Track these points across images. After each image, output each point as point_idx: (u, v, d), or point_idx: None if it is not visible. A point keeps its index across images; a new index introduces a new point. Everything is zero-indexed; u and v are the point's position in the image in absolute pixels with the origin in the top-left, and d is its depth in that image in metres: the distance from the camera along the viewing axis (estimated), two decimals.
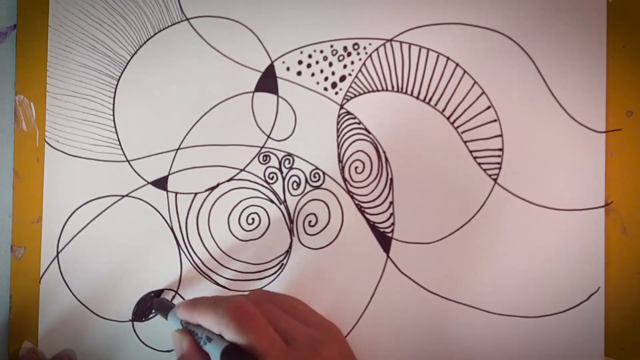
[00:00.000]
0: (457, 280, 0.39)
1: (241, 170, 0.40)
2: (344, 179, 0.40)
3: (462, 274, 0.39)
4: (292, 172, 0.40)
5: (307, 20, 0.40)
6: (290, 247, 0.40)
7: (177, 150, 0.41)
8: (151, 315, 0.41)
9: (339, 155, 0.40)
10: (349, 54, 0.40)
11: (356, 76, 0.40)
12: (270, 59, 0.40)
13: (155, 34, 0.41)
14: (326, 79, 0.40)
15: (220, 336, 0.29)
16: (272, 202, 0.40)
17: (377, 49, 0.40)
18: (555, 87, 0.39)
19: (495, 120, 0.39)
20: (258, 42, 0.40)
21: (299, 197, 0.40)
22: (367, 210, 0.39)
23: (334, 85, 0.40)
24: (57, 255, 0.41)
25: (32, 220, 0.41)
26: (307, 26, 0.40)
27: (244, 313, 0.28)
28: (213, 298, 0.30)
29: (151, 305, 0.40)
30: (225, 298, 0.30)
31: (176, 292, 0.41)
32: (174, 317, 0.33)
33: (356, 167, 0.40)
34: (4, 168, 0.42)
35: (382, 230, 0.39)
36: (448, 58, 0.39)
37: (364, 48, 0.40)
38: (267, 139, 0.40)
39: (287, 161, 0.40)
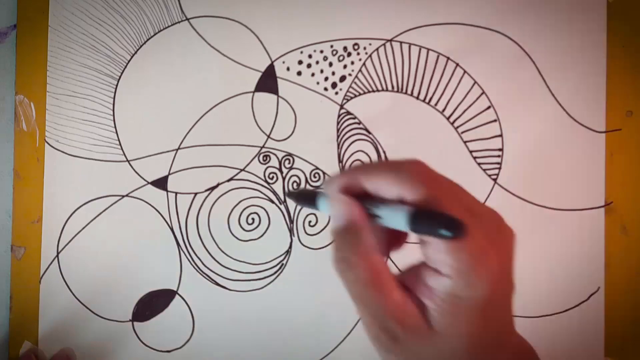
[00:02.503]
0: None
1: (241, 170, 0.40)
2: None
3: None
4: (292, 172, 0.40)
5: (307, 21, 0.40)
6: (290, 247, 0.40)
7: (177, 150, 0.41)
8: (150, 315, 0.41)
9: (339, 155, 0.40)
10: (349, 54, 0.40)
11: (356, 76, 0.40)
12: (271, 59, 0.40)
13: (155, 34, 0.41)
14: (326, 79, 0.40)
15: (394, 202, 0.24)
16: (272, 202, 0.40)
17: (377, 49, 0.40)
18: (555, 87, 0.39)
19: (495, 120, 0.39)
20: (258, 42, 0.40)
21: None
22: None
23: (334, 85, 0.40)
24: (57, 255, 0.41)
25: (32, 220, 0.41)
26: (307, 26, 0.40)
27: (433, 177, 0.23)
28: (380, 161, 0.25)
29: None
30: (399, 161, 0.25)
31: (176, 292, 0.41)
32: (326, 198, 0.27)
33: None
34: (4, 168, 0.42)
35: None
36: (448, 58, 0.39)
37: (364, 48, 0.40)
38: (267, 139, 0.40)
39: (287, 161, 0.40)
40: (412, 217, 0.22)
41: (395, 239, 0.27)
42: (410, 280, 0.24)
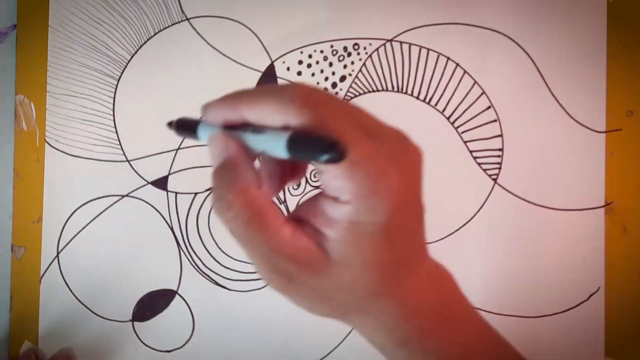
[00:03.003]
0: (457, 280, 0.38)
1: None
2: None
3: (462, 274, 0.39)
4: None
5: (307, 21, 0.40)
6: None
7: (177, 150, 0.41)
8: (150, 315, 0.41)
9: None
10: (349, 54, 0.40)
11: (356, 76, 0.40)
12: (271, 59, 0.40)
13: (155, 34, 0.41)
14: (326, 79, 0.40)
15: (276, 130, 0.22)
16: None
17: (377, 49, 0.40)
18: (556, 87, 0.39)
19: (495, 121, 0.39)
20: (258, 42, 0.40)
21: (299, 197, 0.40)
22: None
23: (334, 85, 0.40)
24: (57, 255, 0.41)
25: (32, 220, 0.41)
26: (308, 26, 0.40)
27: (318, 99, 0.21)
28: (261, 87, 0.22)
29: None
30: (282, 84, 0.22)
31: (176, 292, 0.41)
32: (206, 128, 0.25)
33: None
34: (4, 168, 0.42)
35: None
36: (448, 58, 0.39)
37: (364, 48, 0.40)
38: None
39: None
40: (289, 143, 0.20)
41: (293, 170, 0.25)
42: (309, 212, 0.23)
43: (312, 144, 0.20)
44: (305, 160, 0.22)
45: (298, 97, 0.21)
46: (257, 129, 0.23)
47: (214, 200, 0.22)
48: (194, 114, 0.42)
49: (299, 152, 0.21)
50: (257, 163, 0.24)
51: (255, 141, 0.22)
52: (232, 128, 0.23)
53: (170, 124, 0.29)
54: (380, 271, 0.22)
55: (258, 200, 0.22)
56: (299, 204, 0.24)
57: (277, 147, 0.21)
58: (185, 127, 0.28)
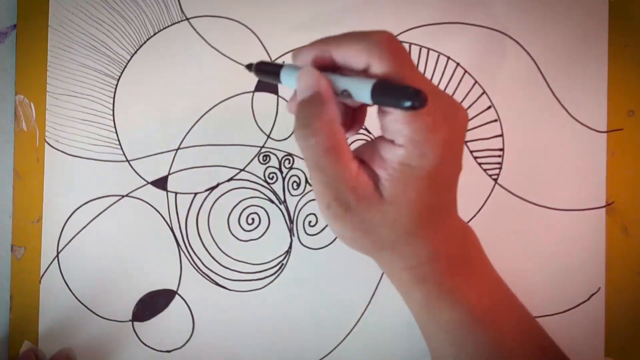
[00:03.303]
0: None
1: (241, 170, 0.40)
2: None
3: None
4: (292, 172, 0.40)
5: (307, 20, 0.40)
6: (290, 247, 0.40)
7: (177, 150, 0.41)
8: (150, 315, 0.41)
9: None
10: None
11: None
12: (270, 58, 0.40)
13: (155, 34, 0.41)
14: None
15: (359, 74, 0.24)
16: (272, 202, 0.40)
17: None
18: (557, 86, 0.38)
19: (496, 120, 0.39)
20: (258, 41, 0.40)
21: (299, 197, 0.40)
22: None
23: None
24: (57, 255, 0.41)
25: (32, 220, 0.41)
26: (307, 26, 0.40)
27: (399, 47, 0.23)
28: (348, 33, 0.25)
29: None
30: (366, 31, 0.25)
31: (176, 292, 0.41)
32: (290, 70, 0.26)
33: None
34: (4, 168, 0.42)
35: None
36: (449, 58, 0.39)
37: None
38: (267, 139, 0.40)
39: (287, 161, 0.40)
40: (376, 88, 0.23)
41: (353, 121, 0.28)
42: (367, 153, 0.25)
43: (397, 91, 0.22)
44: (386, 105, 0.23)
45: (382, 43, 0.23)
46: (344, 71, 0.25)
47: (299, 127, 0.24)
48: (193, 113, 0.42)
49: (382, 97, 0.23)
50: None
51: (342, 83, 0.24)
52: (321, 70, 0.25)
53: (249, 67, 0.30)
54: (419, 213, 0.25)
55: (339, 134, 0.24)
56: (359, 147, 0.27)
57: (362, 91, 0.23)
58: (267, 70, 0.29)
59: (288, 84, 0.27)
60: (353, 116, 0.28)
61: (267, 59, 0.40)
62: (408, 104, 0.21)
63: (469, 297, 0.27)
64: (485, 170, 0.39)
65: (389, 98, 0.22)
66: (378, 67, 0.23)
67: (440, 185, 0.25)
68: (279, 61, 0.40)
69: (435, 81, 0.39)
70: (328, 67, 0.25)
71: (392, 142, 0.24)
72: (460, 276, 0.27)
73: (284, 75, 0.27)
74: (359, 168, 0.25)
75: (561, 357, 0.30)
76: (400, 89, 0.22)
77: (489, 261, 0.30)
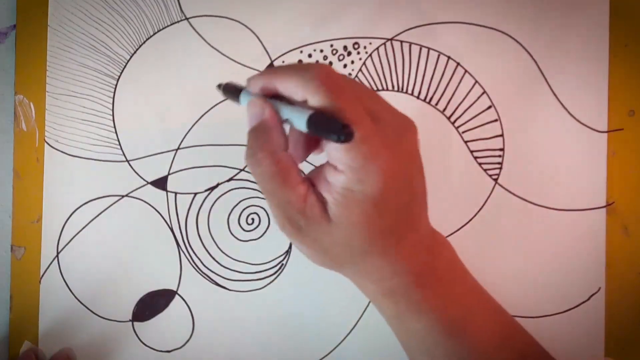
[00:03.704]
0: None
1: (241, 170, 0.40)
2: None
3: None
4: None
5: (307, 20, 0.40)
6: (290, 247, 0.40)
7: (176, 150, 0.41)
8: (150, 315, 0.41)
9: None
10: (349, 54, 0.40)
11: (356, 76, 0.40)
12: (270, 58, 0.40)
13: (154, 34, 0.41)
14: None
15: (301, 104, 0.26)
16: None
17: (377, 49, 0.39)
18: (557, 86, 0.38)
19: (496, 120, 0.39)
20: (258, 41, 0.40)
21: None
22: None
23: None
24: (57, 255, 0.41)
25: (32, 220, 0.41)
26: (307, 25, 0.40)
27: (334, 81, 0.25)
28: (294, 64, 0.27)
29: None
30: (310, 64, 0.27)
31: (176, 292, 0.41)
32: (248, 95, 0.29)
33: None
34: (4, 168, 0.42)
35: None
36: (449, 57, 0.39)
37: (364, 47, 0.39)
38: None
39: None
40: (308, 121, 0.24)
41: (314, 142, 0.29)
42: (316, 177, 0.27)
43: (328, 124, 0.24)
44: (320, 136, 0.25)
45: (318, 77, 0.25)
46: (286, 101, 0.27)
47: (247, 155, 0.27)
48: (193, 113, 0.42)
49: (315, 129, 0.24)
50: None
51: (284, 111, 0.26)
52: (270, 98, 0.27)
53: (219, 86, 0.33)
54: (370, 235, 0.26)
55: (283, 161, 0.26)
56: (311, 171, 0.28)
57: (299, 121, 0.25)
58: (231, 91, 0.32)
59: (245, 104, 0.29)
60: (312, 136, 0.28)
61: (266, 59, 0.40)
62: (335, 137, 0.23)
63: (437, 307, 0.28)
64: (485, 170, 0.39)
65: (321, 130, 0.24)
66: (313, 101, 0.25)
67: (390, 207, 0.26)
68: (279, 61, 0.40)
69: (435, 81, 0.39)
70: (276, 96, 0.27)
71: (335, 167, 0.25)
72: (427, 288, 0.28)
73: (242, 98, 0.30)
74: (307, 191, 0.26)
75: (544, 358, 0.31)
76: (330, 123, 0.24)
77: (463, 270, 0.31)
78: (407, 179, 0.27)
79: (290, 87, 0.26)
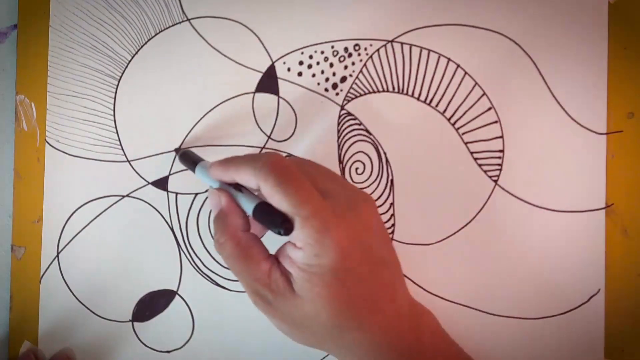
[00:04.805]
0: (457, 281, 0.39)
1: None
2: None
3: (462, 275, 0.39)
4: None
5: (308, 21, 0.40)
6: None
7: (177, 150, 0.41)
8: (151, 315, 0.41)
9: (339, 156, 0.40)
10: (350, 55, 0.40)
11: (357, 77, 0.40)
12: (271, 59, 0.40)
13: (156, 34, 0.41)
14: (327, 79, 0.40)
15: (253, 194, 0.29)
16: None
17: (378, 50, 0.40)
18: (556, 88, 0.38)
19: (496, 122, 0.39)
20: (259, 42, 0.40)
21: None
22: None
23: (334, 86, 0.40)
24: (57, 255, 0.41)
25: (32, 220, 0.41)
26: (308, 27, 0.40)
27: (282, 167, 0.27)
28: (248, 155, 0.29)
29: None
30: (261, 154, 0.29)
31: (176, 292, 0.41)
32: (202, 171, 0.33)
33: (357, 168, 0.40)
34: (4, 168, 0.42)
35: None
36: (449, 59, 0.39)
37: (365, 49, 0.40)
38: (267, 140, 0.40)
39: None
40: (254, 211, 0.27)
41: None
42: (280, 254, 0.28)
43: (271, 216, 0.26)
44: (265, 226, 0.27)
45: (266, 165, 0.27)
46: (240, 188, 0.30)
47: (214, 242, 0.29)
48: (194, 114, 0.42)
49: (260, 220, 0.27)
50: None
51: (240, 199, 0.29)
52: (230, 185, 0.30)
53: (177, 150, 0.37)
54: (339, 307, 0.26)
55: (243, 241, 0.28)
56: (278, 249, 0.29)
57: (249, 209, 0.28)
58: (187, 160, 0.36)
59: (200, 178, 0.33)
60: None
61: (266, 61, 0.40)
62: (276, 230, 0.26)
63: None
64: (485, 171, 0.39)
65: (264, 221, 0.27)
66: (264, 188, 0.26)
67: (353, 277, 0.26)
68: (280, 62, 0.40)
69: (435, 83, 0.39)
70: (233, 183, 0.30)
71: (294, 244, 0.27)
72: None
73: (197, 171, 0.34)
74: (271, 266, 0.28)
75: None
76: (273, 215, 0.26)
77: (448, 342, 0.31)
78: (365, 247, 0.27)
79: (244, 177, 0.28)
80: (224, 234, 0.28)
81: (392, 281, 0.28)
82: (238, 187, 0.30)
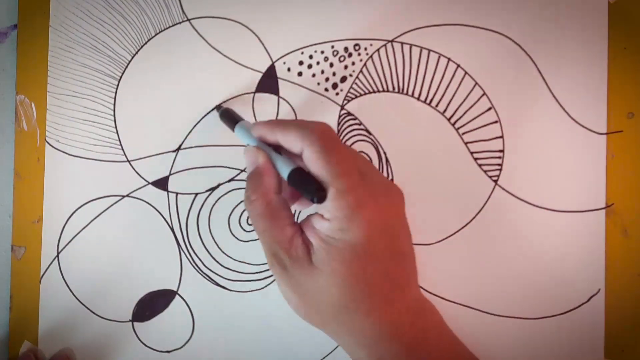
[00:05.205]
0: (458, 281, 0.39)
1: (242, 170, 0.40)
2: None
3: (463, 275, 0.39)
4: None
5: (308, 21, 0.40)
6: None
7: (177, 150, 0.41)
8: (150, 315, 0.41)
9: None
10: (350, 55, 0.40)
11: (357, 77, 0.40)
12: (271, 59, 0.40)
13: (156, 35, 0.41)
14: (327, 79, 0.40)
15: (292, 158, 0.29)
16: None
17: (378, 50, 0.40)
18: (557, 88, 0.39)
19: (496, 122, 0.39)
20: (259, 42, 0.40)
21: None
22: None
23: (334, 86, 0.40)
24: (57, 255, 0.41)
25: (32, 220, 0.41)
26: (308, 27, 0.40)
27: (331, 137, 0.27)
28: (296, 119, 0.30)
29: None
30: (311, 121, 0.29)
31: (176, 292, 0.41)
32: (242, 128, 0.33)
33: None
34: (4, 168, 0.42)
35: None
36: (449, 59, 0.39)
37: (365, 49, 0.40)
38: None
39: None
40: (291, 176, 0.27)
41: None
42: (305, 224, 0.29)
43: (306, 182, 0.26)
44: (299, 190, 0.27)
45: (316, 131, 0.27)
46: (280, 150, 0.29)
47: (244, 199, 0.29)
48: (194, 114, 0.42)
49: (294, 184, 0.27)
50: None
51: (275, 160, 0.29)
52: (270, 146, 0.30)
53: (217, 108, 0.37)
54: (350, 285, 0.26)
55: (274, 203, 0.28)
56: (304, 218, 0.30)
57: (284, 172, 0.28)
58: (228, 118, 0.36)
59: (238, 136, 0.33)
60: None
61: (267, 61, 0.40)
62: (309, 196, 0.26)
63: None
64: (485, 171, 0.39)
65: (299, 186, 0.27)
66: (308, 152, 0.27)
67: (372, 260, 0.26)
68: (280, 62, 0.40)
69: (435, 83, 0.39)
70: (274, 144, 0.30)
71: (322, 215, 0.27)
72: (418, 357, 0.28)
73: (236, 130, 0.33)
74: (294, 233, 0.28)
75: None
76: (308, 182, 0.26)
77: (452, 339, 0.31)
78: (391, 235, 0.27)
79: (290, 138, 0.28)
80: (255, 191, 0.28)
81: (407, 274, 0.29)
82: (277, 149, 0.30)
